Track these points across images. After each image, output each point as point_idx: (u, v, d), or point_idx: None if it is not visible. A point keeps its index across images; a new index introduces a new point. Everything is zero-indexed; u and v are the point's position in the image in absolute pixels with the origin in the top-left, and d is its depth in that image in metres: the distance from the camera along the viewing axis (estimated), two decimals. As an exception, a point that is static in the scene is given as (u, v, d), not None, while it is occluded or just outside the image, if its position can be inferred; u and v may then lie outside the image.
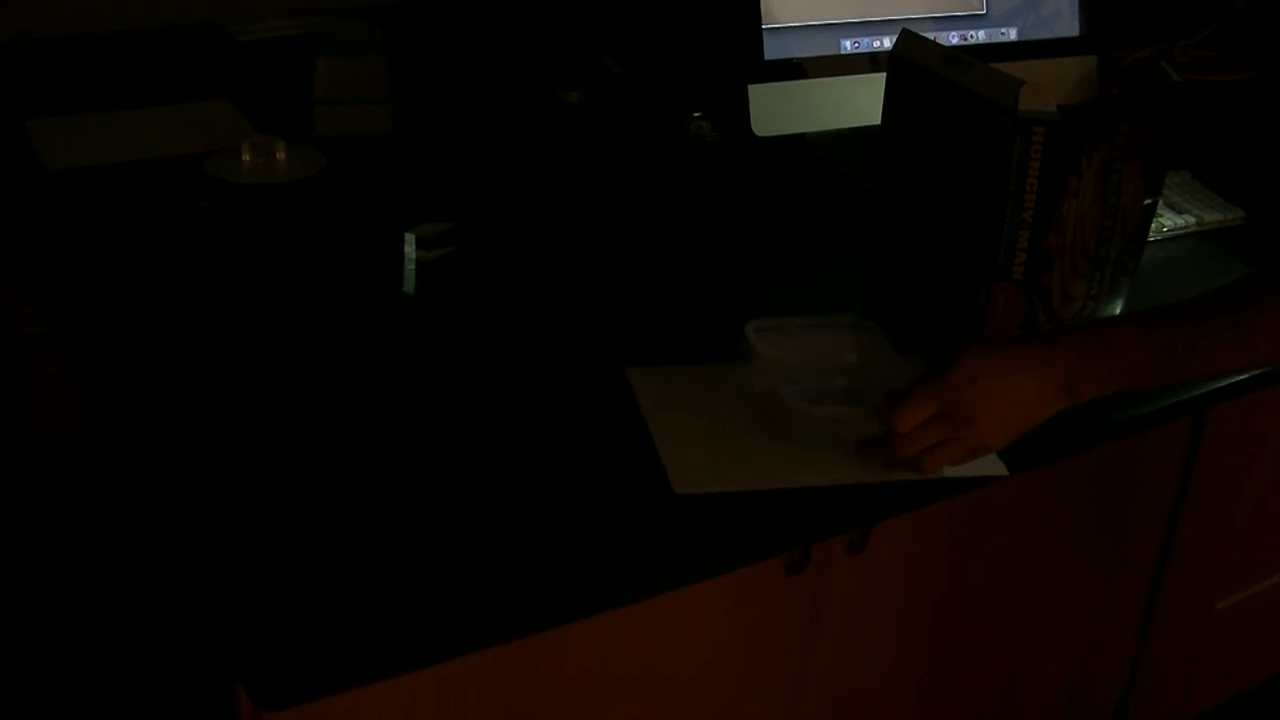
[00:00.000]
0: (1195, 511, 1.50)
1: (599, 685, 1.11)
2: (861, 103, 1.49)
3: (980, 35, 1.62)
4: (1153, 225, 1.41)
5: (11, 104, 1.65)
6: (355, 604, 0.96)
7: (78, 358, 1.20)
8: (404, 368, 1.23)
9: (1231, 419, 1.45)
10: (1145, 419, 1.28)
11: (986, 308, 1.24)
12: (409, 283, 1.37)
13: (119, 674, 1.52)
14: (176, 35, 1.88)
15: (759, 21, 1.50)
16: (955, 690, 1.41)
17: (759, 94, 1.51)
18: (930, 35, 1.32)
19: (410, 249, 1.39)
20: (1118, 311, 1.32)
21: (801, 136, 1.62)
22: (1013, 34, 1.64)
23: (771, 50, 1.51)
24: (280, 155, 1.54)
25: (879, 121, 1.32)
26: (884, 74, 1.31)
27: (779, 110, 1.53)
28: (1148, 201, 1.28)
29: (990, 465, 1.16)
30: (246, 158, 1.53)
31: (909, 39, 1.28)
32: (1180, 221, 1.58)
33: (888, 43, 1.55)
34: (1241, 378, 1.31)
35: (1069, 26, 1.66)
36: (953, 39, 1.60)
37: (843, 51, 1.56)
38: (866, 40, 1.57)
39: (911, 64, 1.27)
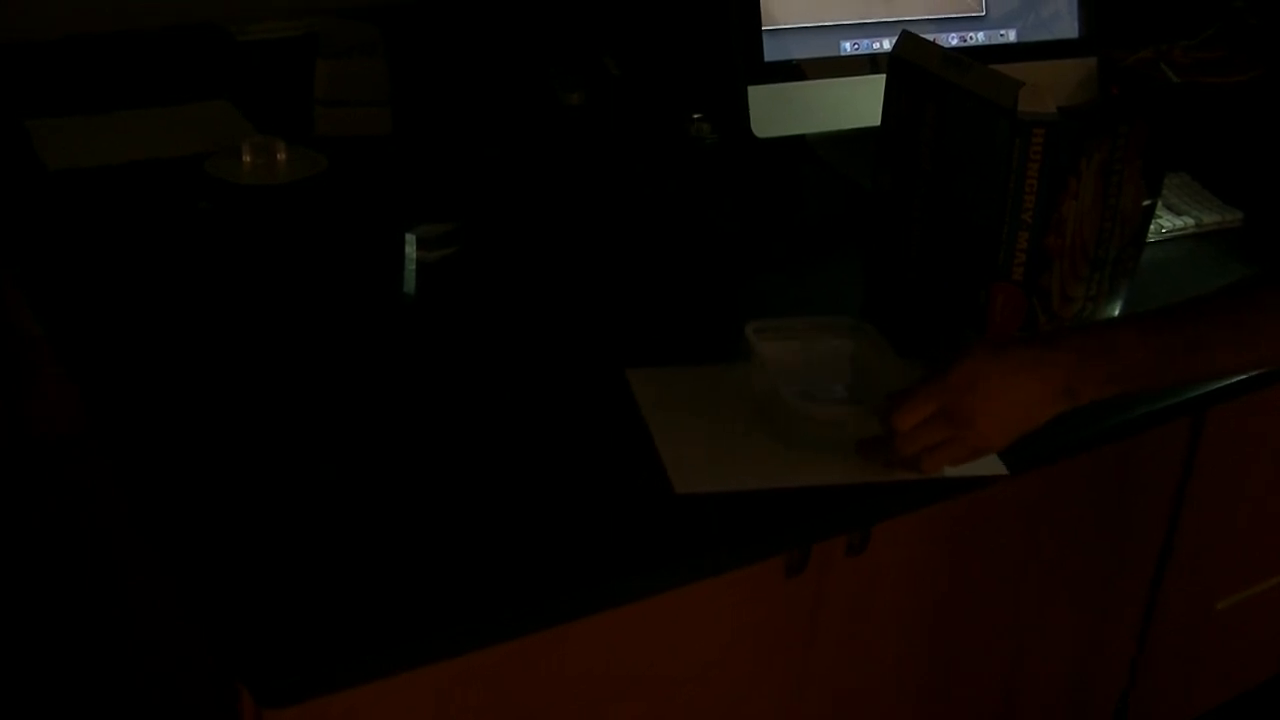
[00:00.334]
0: (1195, 512, 1.50)
1: (601, 684, 1.12)
2: (861, 104, 1.49)
3: (979, 37, 1.62)
4: (1152, 226, 1.41)
5: (12, 104, 1.65)
6: (356, 602, 0.96)
7: (78, 358, 1.21)
8: (405, 368, 1.24)
9: (1230, 420, 1.45)
10: (1145, 420, 1.28)
11: (986, 308, 1.24)
12: (409, 283, 1.37)
13: (119, 674, 1.52)
14: (177, 36, 1.88)
15: (759, 23, 1.50)
16: (955, 690, 1.41)
17: (759, 95, 1.51)
18: (929, 37, 1.32)
19: (411, 250, 1.39)
20: (1117, 312, 1.32)
21: (801, 138, 1.62)
22: (1012, 35, 1.64)
23: (771, 52, 1.51)
24: (281, 156, 1.54)
25: (878, 123, 1.32)
26: (883, 76, 1.31)
27: (779, 112, 1.53)
28: (1147, 203, 1.28)
29: (990, 465, 1.16)
30: (247, 158, 1.53)
31: (908, 41, 1.28)
32: (1179, 223, 1.59)
33: (887, 44, 1.55)
34: (1241, 378, 1.32)
35: (1068, 28, 1.67)
36: (952, 41, 1.60)
37: (842, 53, 1.56)
38: (866, 42, 1.57)
39: (911, 65, 1.27)
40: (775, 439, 1.17)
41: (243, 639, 0.93)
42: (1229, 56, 1.85)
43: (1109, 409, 1.15)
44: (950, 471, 1.13)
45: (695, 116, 1.72)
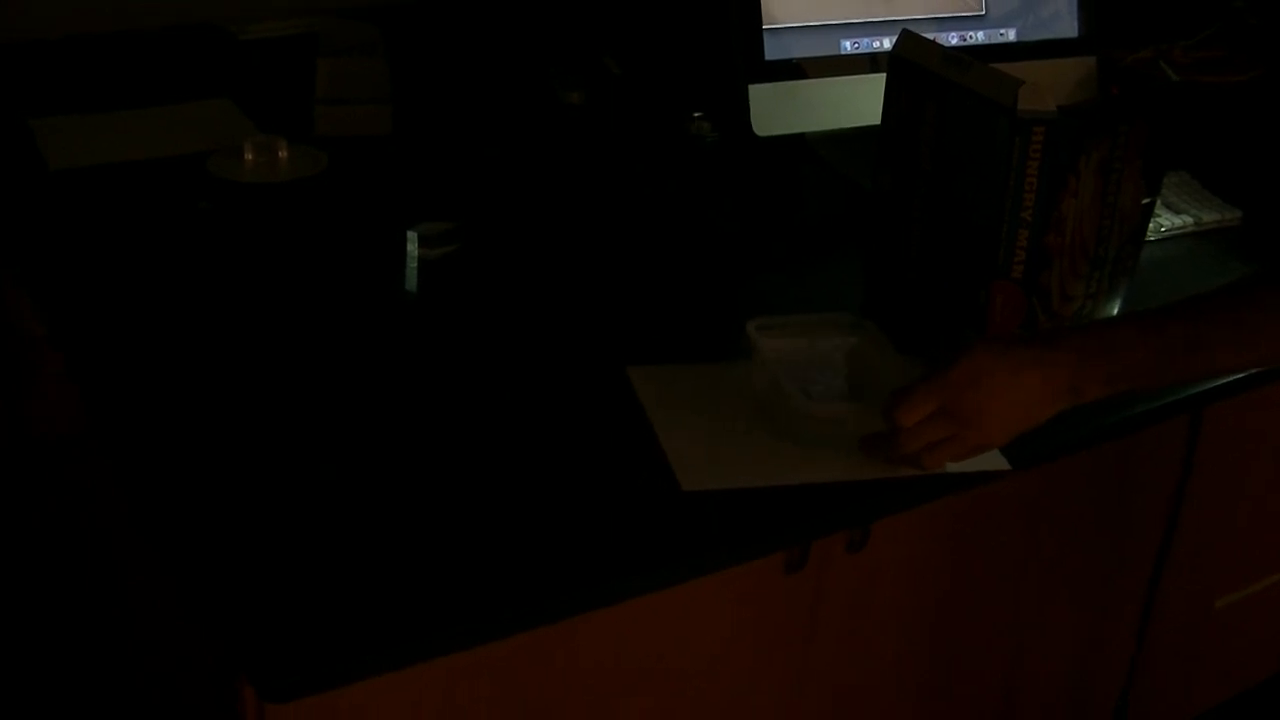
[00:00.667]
0: (1194, 510, 1.51)
1: (611, 678, 1.12)
2: (861, 103, 1.49)
3: (979, 36, 1.63)
4: (1151, 225, 1.42)
5: (15, 103, 1.65)
6: (362, 597, 0.96)
7: (80, 357, 1.21)
8: (407, 365, 1.24)
9: (1229, 417, 1.45)
10: (1143, 417, 1.28)
11: (986, 307, 1.24)
12: (411, 281, 1.37)
13: (119, 674, 1.52)
14: (178, 35, 1.88)
15: (759, 22, 1.51)
16: (955, 687, 1.41)
17: (759, 94, 1.51)
18: (930, 36, 1.32)
19: (412, 247, 1.39)
20: (1116, 311, 1.32)
21: (801, 137, 1.62)
22: (1012, 35, 1.64)
23: (772, 51, 1.52)
24: (282, 154, 1.55)
25: (879, 122, 1.33)
26: (884, 74, 1.31)
27: (779, 110, 1.53)
28: (1146, 201, 1.29)
29: (992, 460, 1.16)
30: (249, 157, 1.53)
31: (909, 39, 1.29)
32: (1178, 221, 1.59)
33: (887, 43, 1.55)
34: (1240, 376, 1.32)
35: (1068, 27, 1.67)
36: (952, 40, 1.61)
37: (843, 52, 1.56)
38: (866, 41, 1.57)
39: (911, 64, 1.27)
40: (778, 436, 1.17)
41: (247, 634, 0.93)
42: (1228, 56, 1.85)
43: (1108, 407, 1.16)
44: (952, 467, 1.14)
45: (696, 115, 1.73)
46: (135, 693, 1.46)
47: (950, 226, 1.26)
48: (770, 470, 1.13)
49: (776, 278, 1.44)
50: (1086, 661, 1.53)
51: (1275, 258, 1.57)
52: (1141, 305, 1.14)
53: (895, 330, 1.26)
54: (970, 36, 1.62)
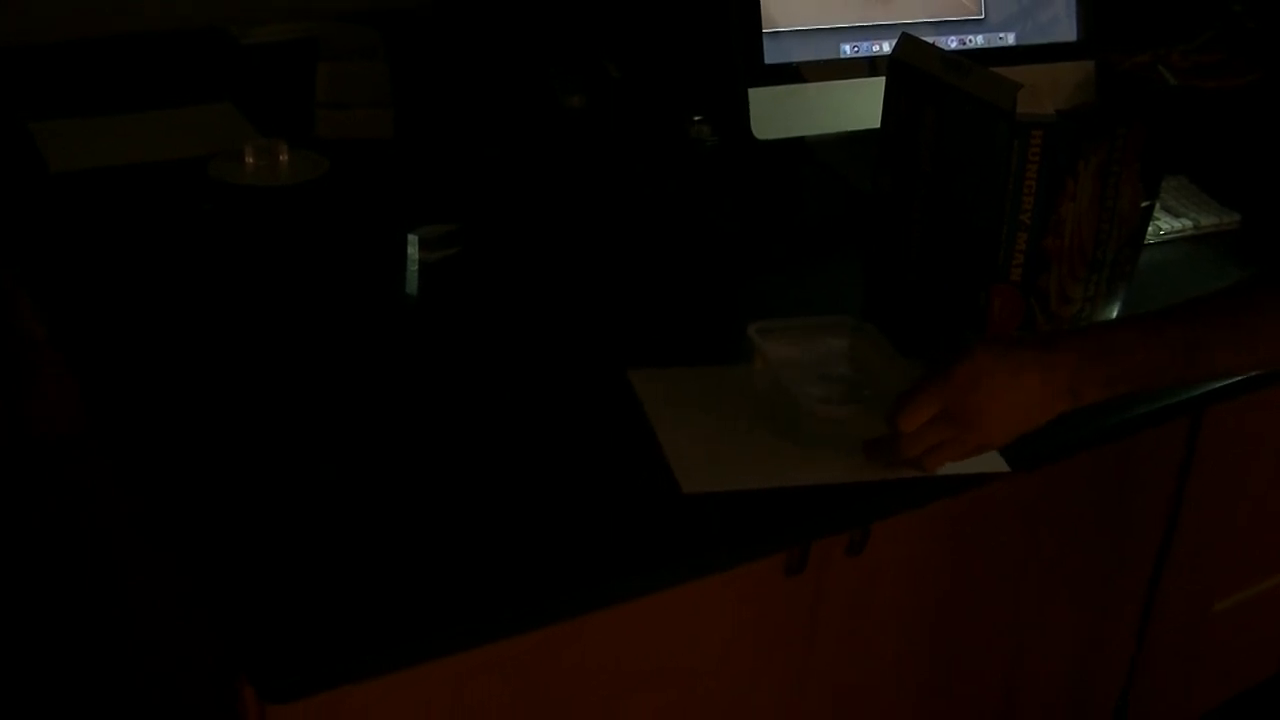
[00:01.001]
0: (1193, 512, 1.51)
1: (617, 678, 1.12)
2: (861, 107, 1.50)
3: (979, 40, 1.63)
4: (1150, 229, 1.42)
5: (15, 107, 1.65)
6: (365, 597, 0.97)
7: (83, 358, 1.21)
8: (408, 368, 1.24)
9: (1228, 419, 1.46)
10: (1143, 419, 1.28)
11: (985, 309, 1.25)
12: (412, 284, 1.37)
13: (119, 674, 1.53)
14: (179, 39, 1.89)
15: (759, 26, 1.51)
16: (955, 688, 1.42)
17: (759, 97, 1.52)
18: (929, 40, 1.32)
19: (413, 250, 1.39)
20: (1115, 314, 1.33)
21: (801, 140, 1.63)
22: (1011, 39, 1.65)
23: (771, 54, 1.52)
24: (283, 158, 1.55)
25: (878, 125, 1.33)
26: (883, 78, 1.32)
27: (779, 114, 1.53)
28: (1145, 204, 1.29)
29: (991, 462, 1.17)
30: (250, 160, 1.54)
31: (908, 43, 1.29)
32: (1177, 225, 1.59)
33: (887, 47, 1.56)
34: (1239, 379, 1.32)
35: (1067, 31, 1.67)
36: (951, 44, 1.61)
37: (842, 56, 1.56)
38: (866, 44, 1.57)
39: (910, 68, 1.28)
40: (779, 438, 1.17)
41: (246, 632, 0.93)
42: (1227, 60, 1.86)
43: (1108, 409, 1.16)
44: (951, 468, 1.14)
45: (696, 119, 1.73)
46: (135, 693, 1.46)
47: (949, 229, 1.26)
48: (771, 472, 1.14)
49: (776, 279, 1.45)
50: (1086, 662, 1.53)
51: (1273, 261, 1.57)
52: (1140, 308, 1.14)
53: (895, 333, 1.26)
54: (969, 40, 1.63)
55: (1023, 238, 1.22)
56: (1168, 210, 1.61)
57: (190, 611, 1.07)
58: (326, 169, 1.56)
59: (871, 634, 1.29)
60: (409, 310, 1.34)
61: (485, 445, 1.14)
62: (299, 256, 1.40)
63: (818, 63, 1.55)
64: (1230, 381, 1.32)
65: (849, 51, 1.57)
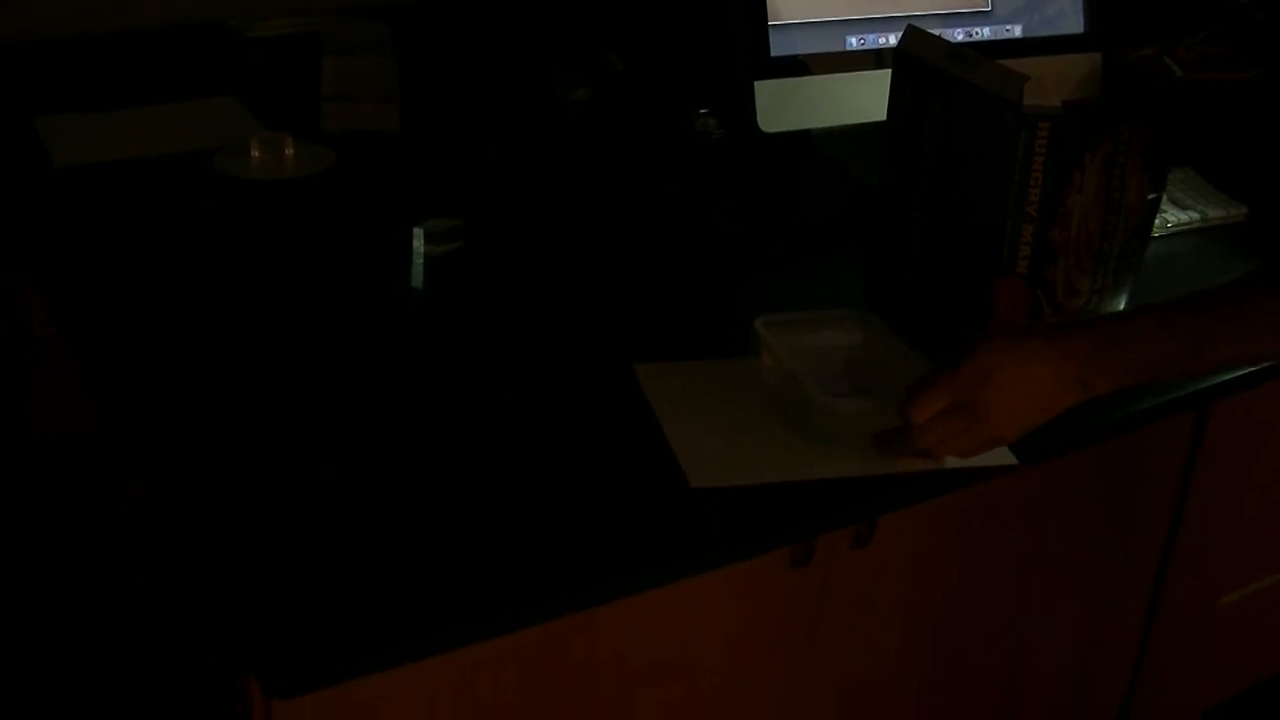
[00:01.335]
0: (1199, 506, 1.51)
1: (627, 670, 1.12)
2: (867, 99, 1.50)
3: (985, 32, 1.63)
4: (1157, 221, 1.42)
5: (21, 102, 1.65)
6: (369, 591, 0.97)
7: (89, 353, 1.21)
8: (413, 362, 1.24)
9: (1235, 412, 1.45)
10: (1149, 413, 1.28)
11: (991, 302, 1.24)
12: (417, 277, 1.37)
13: (119, 674, 1.53)
14: (184, 33, 1.89)
15: (764, 18, 1.51)
16: (958, 684, 1.41)
17: (765, 90, 1.51)
18: (935, 32, 1.32)
19: (418, 244, 1.39)
20: (1122, 306, 1.32)
21: (803, 136, 1.63)
22: (1017, 31, 1.64)
23: (777, 47, 1.52)
24: (289, 151, 1.55)
25: (884, 118, 1.33)
26: (889, 71, 1.31)
27: (784, 107, 1.53)
28: (1151, 196, 1.29)
29: (998, 455, 1.17)
30: (255, 154, 1.54)
31: (914, 35, 1.29)
32: (1184, 217, 1.59)
33: (893, 39, 1.55)
34: (1246, 371, 1.32)
35: (1073, 24, 1.67)
36: (958, 36, 1.61)
37: (848, 48, 1.56)
38: (872, 37, 1.57)
39: (917, 60, 1.27)
40: (787, 432, 1.17)
41: (251, 627, 0.93)
42: (1233, 53, 1.85)
43: (1114, 402, 1.16)
44: (960, 462, 1.14)
45: (702, 112, 1.73)
46: (135, 692, 1.46)
47: (955, 222, 1.26)
48: (779, 466, 1.13)
49: (777, 277, 1.44)
50: (1091, 658, 1.53)
51: (1278, 254, 1.57)
52: (1147, 300, 1.14)
53: (900, 326, 1.26)
54: (976, 33, 1.62)
55: (1029, 230, 1.22)
56: (1175, 203, 1.61)
57: (191, 610, 1.07)
58: (332, 162, 1.56)
59: (875, 629, 1.29)
60: (414, 304, 1.34)
61: (491, 439, 1.14)
62: (304, 251, 1.40)
63: (823, 55, 1.54)
64: (1236, 374, 1.32)
65: (855, 44, 1.57)
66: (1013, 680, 1.47)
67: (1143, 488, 1.45)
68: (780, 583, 1.18)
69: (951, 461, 1.14)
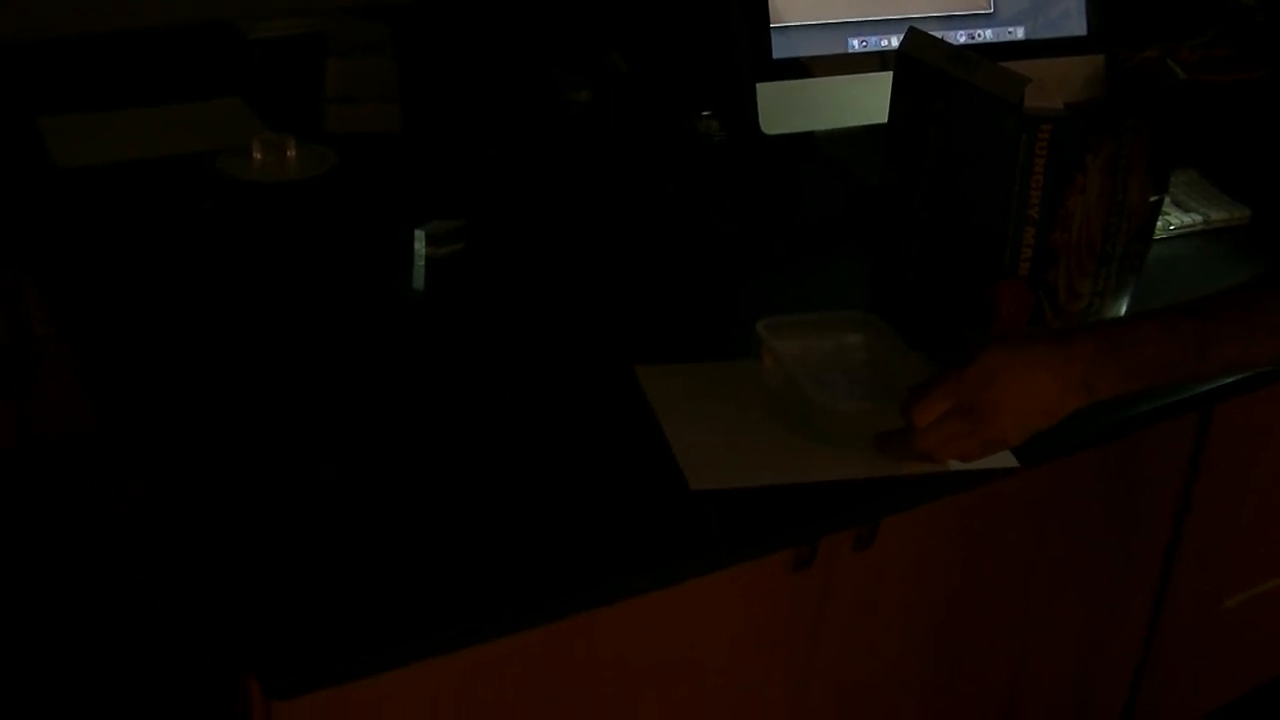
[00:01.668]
0: (1202, 508, 1.51)
1: (629, 672, 1.12)
2: (869, 101, 1.49)
3: (987, 34, 1.63)
4: (1160, 223, 1.42)
5: (23, 102, 1.66)
6: (370, 592, 0.97)
7: (91, 354, 1.21)
8: (414, 363, 1.24)
9: (1238, 415, 1.45)
10: (1151, 415, 1.28)
11: (993, 304, 1.24)
12: (418, 279, 1.37)
13: (119, 674, 1.53)
14: (187, 34, 1.89)
15: (767, 20, 1.51)
16: (960, 686, 1.41)
17: (767, 92, 1.51)
18: (937, 34, 1.32)
19: (420, 246, 1.39)
20: (1124, 309, 1.32)
21: (803, 138, 1.62)
22: (1020, 33, 1.64)
23: (779, 49, 1.52)
24: (291, 153, 1.55)
25: (886, 120, 1.33)
26: (891, 73, 1.31)
27: (787, 109, 1.53)
28: (1154, 198, 1.29)
29: (1000, 458, 1.16)
30: (257, 155, 1.54)
31: (915, 37, 1.29)
32: (1187, 220, 1.59)
33: (895, 41, 1.55)
34: (1250, 374, 1.32)
35: (1077, 26, 1.67)
36: (960, 38, 1.61)
37: (850, 50, 1.56)
38: (874, 39, 1.57)
39: (918, 62, 1.27)
40: (788, 434, 1.17)
41: (251, 627, 0.93)
42: (1237, 54, 1.85)
43: (1115, 404, 1.16)
44: (963, 466, 1.14)
45: (704, 114, 1.73)
46: (135, 692, 1.46)
47: (957, 223, 1.26)
48: (780, 468, 1.13)
49: (777, 278, 1.44)
50: (1093, 660, 1.53)
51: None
52: (1150, 303, 1.14)
53: (901, 327, 1.26)
54: (978, 35, 1.62)
55: (1030, 232, 1.22)
56: (1178, 205, 1.61)
57: (191, 610, 1.07)
58: (334, 163, 1.56)
59: (877, 631, 1.29)
60: (415, 305, 1.34)
61: (492, 440, 1.14)
62: (306, 251, 1.40)
63: (825, 57, 1.54)
64: (1240, 377, 1.32)
65: (857, 46, 1.57)
66: (1015, 682, 1.47)
67: (1145, 490, 1.45)
68: (782, 585, 1.18)
69: (954, 464, 1.14)
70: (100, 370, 1.19)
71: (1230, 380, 1.32)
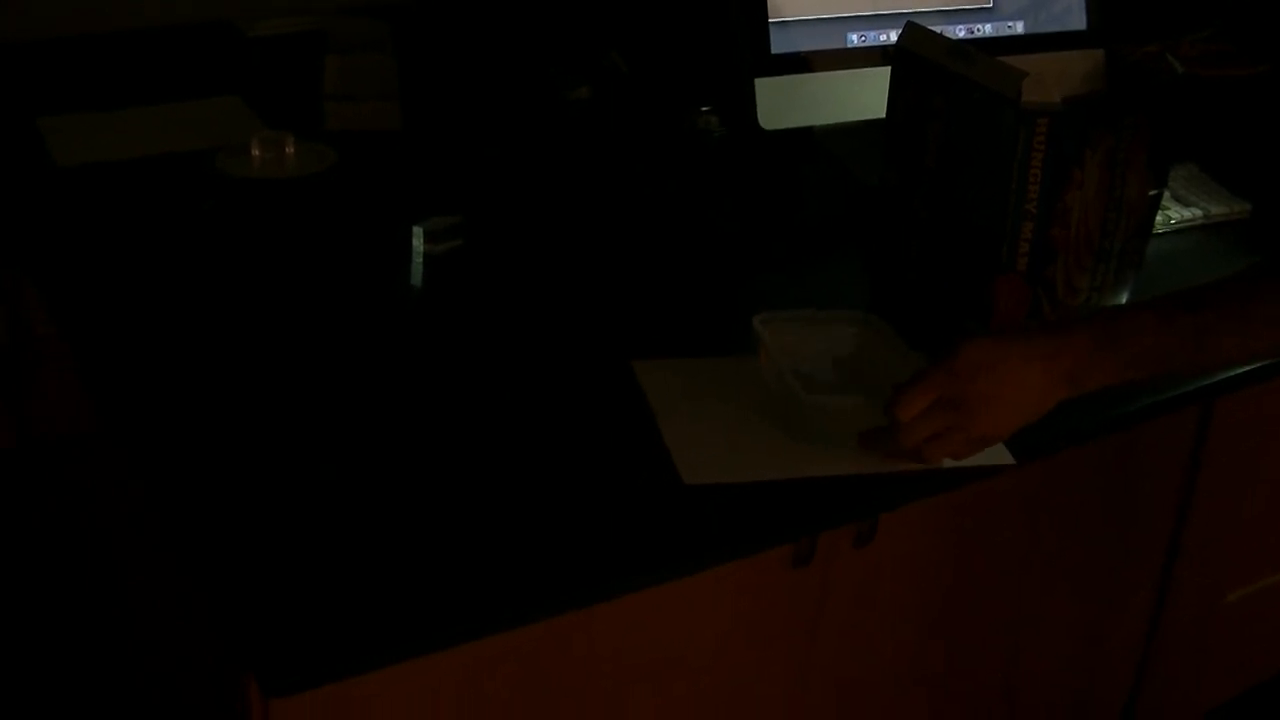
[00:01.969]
0: (1204, 502, 1.50)
1: (628, 668, 1.12)
2: (868, 96, 1.49)
3: (987, 29, 1.62)
4: (1159, 218, 1.41)
5: (24, 102, 1.66)
6: (366, 590, 0.97)
7: (90, 353, 1.21)
8: (412, 360, 1.24)
9: (1240, 408, 1.45)
10: (1151, 409, 1.28)
11: (992, 300, 1.24)
12: (416, 276, 1.37)
13: (119, 673, 1.53)
14: (187, 33, 1.89)
15: (765, 15, 1.51)
16: (957, 682, 1.41)
17: (766, 88, 1.51)
18: (937, 28, 1.32)
19: (418, 242, 1.39)
20: (1123, 303, 1.32)
21: (802, 136, 1.62)
22: (1020, 28, 1.64)
23: (778, 44, 1.52)
24: (290, 150, 1.55)
25: (885, 115, 1.33)
26: (889, 67, 1.31)
27: (786, 104, 1.53)
28: (1153, 193, 1.28)
29: (996, 454, 1.16)
30: (256, 153, 1.54)
31: (914, 32, 1.29)
32: (1187, 214, 1.59)
33: (894, 36, 1.55)
34: (1250, 367, 1.31)
35: (1076, 20, 1.66)
36: (959, 32, 1.60)
37: (849, 45, 1.56)
38: (873, 34, 1.57)
39: (916, 57, 1.27)
40: (783, 430, 1.17)
41: (249, 624, 0.93)
42: (1236, 49, 1.85)
43: (1115, 398, 1.16)
44: (955, 462, 1.14)
45: (704, 109, 1.72)
46: (135, 692, 1.46)
47: (956, 220, 1.26)
48: (773, 464, 1.13)
49: (776, 278, 1.44)
50: (1092, 656, 1.53)
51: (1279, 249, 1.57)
52: (1149, 297, 1.14)
53: (901, 324, 1.26)
54: (978, 29, 1.62)
55: (1028, 227, 1.21)
56: (1177, 199, 1.60)
57: (191, 609, 1.08)
58: (333, 161, 1.56)
59: (875, 627, 1.29)
60: (414, 302, 1.34)
61: (489, 436, 1.14)
62: (305, 249, 1.41)
63: (824, 52, 1.54)
64: (1241, 370, 1.31)
65: (856, 41, 1.56)
66: (1011, 679, 1.46)
67: (1145, 485, 1.45)
68: (781, 581, 1.18)
69: (947, 461, 1.14)
70: (100, 370, 1.19)
71: (1232, 374, 1.31)
